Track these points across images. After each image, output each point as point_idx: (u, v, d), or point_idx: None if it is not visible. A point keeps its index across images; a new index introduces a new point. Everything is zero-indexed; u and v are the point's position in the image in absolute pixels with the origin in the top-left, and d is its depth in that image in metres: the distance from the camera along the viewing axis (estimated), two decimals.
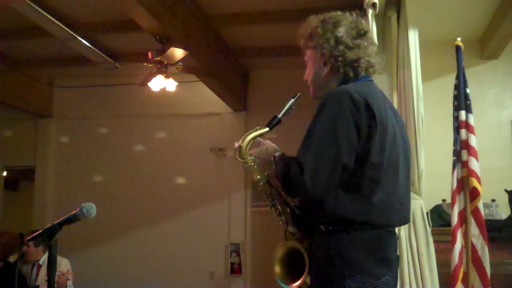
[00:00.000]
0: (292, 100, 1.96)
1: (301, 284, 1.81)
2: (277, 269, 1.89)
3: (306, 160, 1.68)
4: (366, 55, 1.88)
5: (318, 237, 1.77)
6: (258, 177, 1.91)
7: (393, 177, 1.78)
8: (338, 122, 1.69)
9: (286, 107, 1.94)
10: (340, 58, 1.86)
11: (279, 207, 1.90)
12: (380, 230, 1.74)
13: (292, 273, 1.87)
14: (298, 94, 1.98)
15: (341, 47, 1.86)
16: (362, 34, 1.90)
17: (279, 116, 1.93)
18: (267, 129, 1.92)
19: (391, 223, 1.78)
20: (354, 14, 1.94)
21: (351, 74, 1.87)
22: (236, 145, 1.90)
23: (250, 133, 1.92)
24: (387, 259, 1.75)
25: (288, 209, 1.90)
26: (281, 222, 1.91)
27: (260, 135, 1.93)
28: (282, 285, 1.87)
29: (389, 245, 1.78)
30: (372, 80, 1.93)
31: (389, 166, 1.76)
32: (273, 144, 1.95)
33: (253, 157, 1.91)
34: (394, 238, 1.82)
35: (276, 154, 1.88)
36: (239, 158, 1.91)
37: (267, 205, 1.95)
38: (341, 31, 1.87)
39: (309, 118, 1.78)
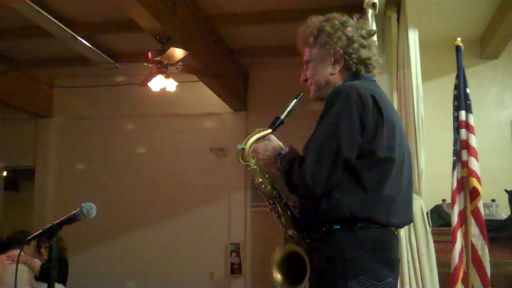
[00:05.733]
0: (295, 100, 1.91)
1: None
2: (277, 275, 1.85)
3: (307, 155, 1.70)
4: (376, 54, 1.91)
5: (318, 237, 1.75)
6: (260, 180, 1.89)
7: (398, 175, 1.78)
8: (343, 117, 1.70)
9: (289, 108, 1.89)
10: (354, 56, 1.86)
11: (279, 210, 1.88)
12: (384, 229, 1.72)
13: (292, 278, 1.83)
14: (301, 94, 1.94)
15: (355, 45, 1.86)
16: (372, 34, 1.93)
17: (282, 117, 1.88)
18: (270, 130, 1.88)
19: (395, 223, 1.76)
20: (355, 18, 1.95)
21: (363, 72, 1.88)
22: (239, 147, 1.87)
23: (252, 135, 1.88)
24: (391, 260, 1.73)
25: (288, 212, 1.89)
26: (280, 226, 1.90)
27: (263, 137, 1.90)
28: None
29: (393, 246, 1.76)
30: (375, 81, 1.94)
31: (397, 163, 1.76)
32: (278, 141, 1.93)
33: (255, 159, 1.88)
34: (396, 239, 1.81)
35: (282, 152, 1.87)
36: (242, 161, 1.88)
37: (267, 206, 1.93)
38: (351, 31, 1.87)
39: (312, 117, 1.78)
